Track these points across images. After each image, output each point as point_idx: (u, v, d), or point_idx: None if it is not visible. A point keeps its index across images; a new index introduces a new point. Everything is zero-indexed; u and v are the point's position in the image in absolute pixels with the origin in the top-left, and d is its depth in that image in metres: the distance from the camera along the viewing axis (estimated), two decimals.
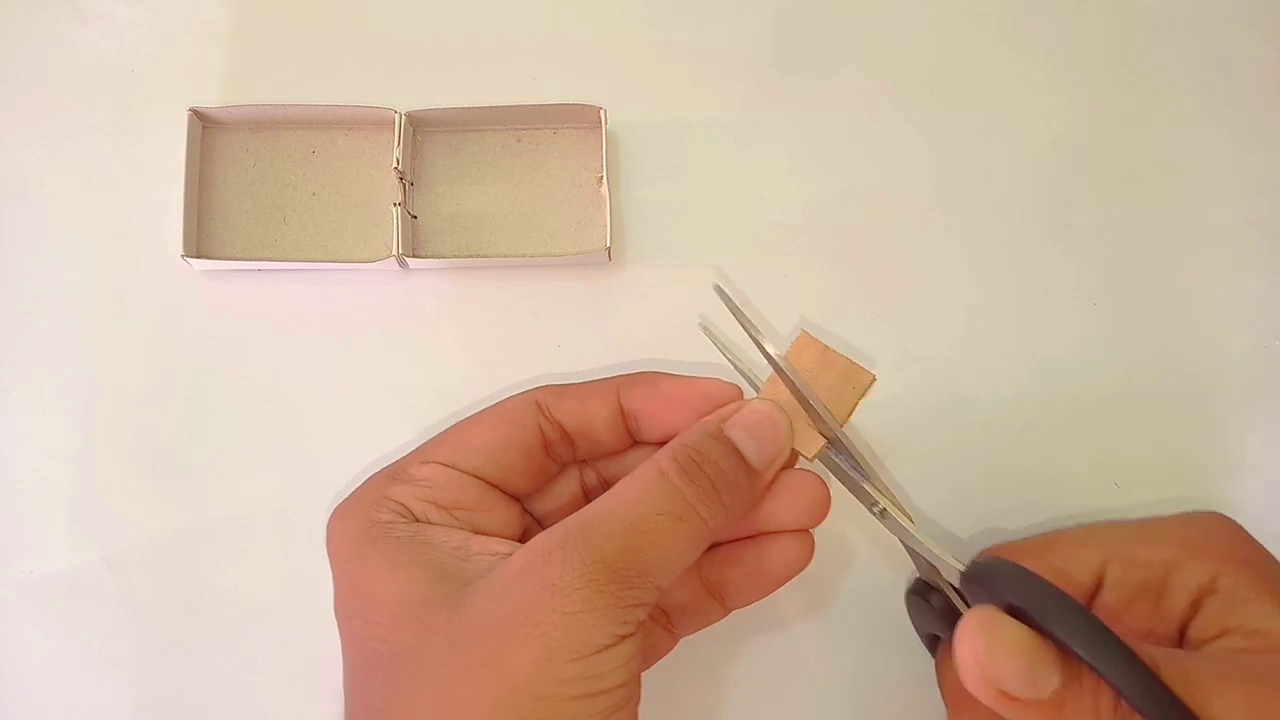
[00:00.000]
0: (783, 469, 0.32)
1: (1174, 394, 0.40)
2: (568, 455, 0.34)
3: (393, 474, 0.32)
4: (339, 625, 0.30)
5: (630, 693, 0.27)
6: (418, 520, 0.30)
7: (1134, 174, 0.42)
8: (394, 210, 0.39)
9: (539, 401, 0.32)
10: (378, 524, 0.30)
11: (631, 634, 0.27)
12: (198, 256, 0.40)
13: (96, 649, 0.37)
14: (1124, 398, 0.40)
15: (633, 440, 0.34)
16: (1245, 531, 0.32)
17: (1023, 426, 0.39)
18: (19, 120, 0.42)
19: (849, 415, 0.31)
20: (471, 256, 0.40)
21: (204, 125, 0.41)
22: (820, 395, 0.31)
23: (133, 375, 0.40)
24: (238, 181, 0.41)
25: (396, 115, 0.40)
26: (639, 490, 0.29)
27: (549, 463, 0.33)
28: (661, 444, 0.31)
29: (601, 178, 0.40)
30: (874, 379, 0.30)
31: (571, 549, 0.27)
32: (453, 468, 0.31)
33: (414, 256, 0.39)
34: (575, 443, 0.33)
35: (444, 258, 0.40)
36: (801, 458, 0.32)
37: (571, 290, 0.40)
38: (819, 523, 0.32)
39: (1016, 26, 0.44)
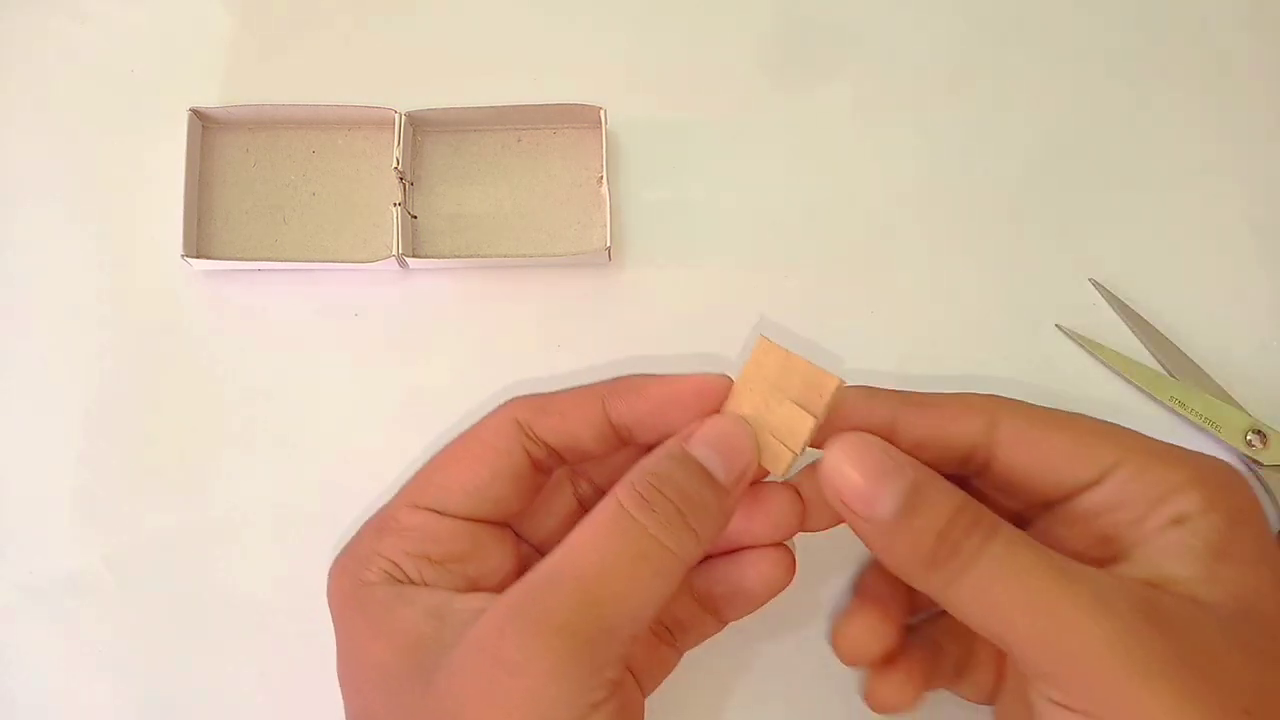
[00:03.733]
0: (752, 483, 0.30)
1: None
2: (556, 465, 0.32)
3: (382, 524, 0.31)
4: (340, 683, 0.31)
5: None
6: (406, 579, 0.29)
7: (1134, 174, 0.42)
8: (394, 210, 0.39)
9: (519, 421, 0.31)
10: (364, 585, 0.30)
11: (605, 699, 0.25)
12: (198, 256, 0.40)
13: (96, 649, 0.37)
14: None
15: (625, 443, 0.32)
16: (1252, 490, 0.30)
17: None
18: (19, 121, 0.42)
19: (815, 425, 0.29)
20: (471, 256, 0.40)
21: (204, 125, 0.41)
22: (784, 408, 0.29)
23: (133, 375, 0.40)
24: (238, 181, 0.41)
25: (396, 115, 0.40)
26: (594, 536, 0.27)
27: (539, 478, 0.32)
28: (658, 444, 0.30)
29: (601, 178, 0.40)
30: (840, 383, 0.28)
31: (524, 621, 0.25)
32: (443, 514, 0.30)
33: (414, 256, 0.39)
34: (564, 457, 0.32)
35: (444, 258, 0.40)
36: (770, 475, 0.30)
37: (571, 290, 0.40)
38: (790, 535, 0.32)
39: (1016, 27, 0.44)
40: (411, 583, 0.29)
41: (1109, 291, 0.40)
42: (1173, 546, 0.27)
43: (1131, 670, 0.24)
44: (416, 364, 0.40)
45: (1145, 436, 0.30)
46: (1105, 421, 0.30)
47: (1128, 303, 0.40)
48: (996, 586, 0.26)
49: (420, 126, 0.41)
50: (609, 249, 0.39)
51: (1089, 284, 0.41)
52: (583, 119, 0.41)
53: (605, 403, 0.31)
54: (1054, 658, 0.25)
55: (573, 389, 0.32)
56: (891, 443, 0.29)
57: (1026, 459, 0.29)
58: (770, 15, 0.43)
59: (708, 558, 0.32)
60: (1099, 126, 0.43)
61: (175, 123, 0.40)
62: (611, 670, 0.26)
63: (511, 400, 0.32)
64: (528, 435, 0.31)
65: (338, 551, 0.32)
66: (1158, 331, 0.40)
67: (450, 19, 0.43)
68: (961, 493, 0.28)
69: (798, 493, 0.31)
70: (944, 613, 0.31)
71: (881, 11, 0.44)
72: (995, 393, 0.31)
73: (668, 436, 0.30)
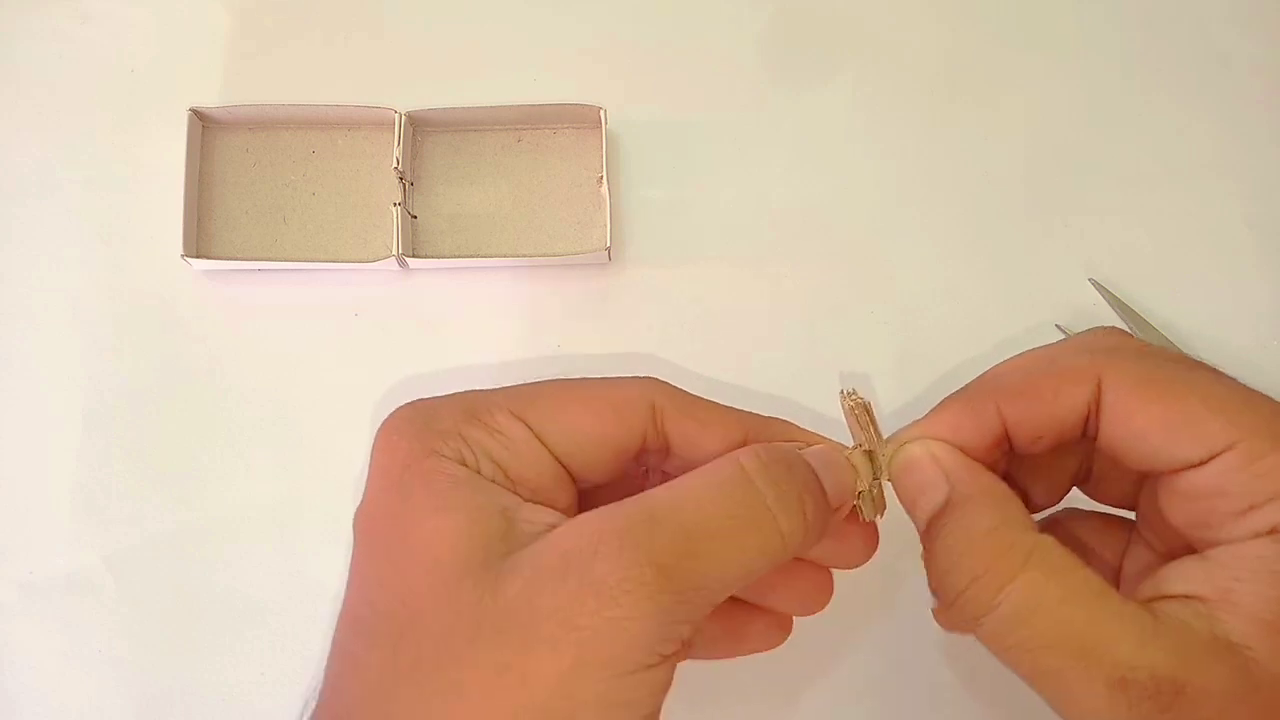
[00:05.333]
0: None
1: None
2: (652, 462, 0.30)
3: (472, 409, 0.27)
4: (359, 552, 0.26)
5: None
6: (478, 474, 0.26)
7: (1133, 174, 0.42)
8: (394, 210, 0.39)
9: (655, 406, 0.28)
10: (435, 455, 0.26)
11: (673, 654, 0.24)
12: (198, 256, 0.40)
13: (96, 649, 0.37)
14: None
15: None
16: None
17: None
18: (19, 120, 0.42)
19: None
20: (471, 256, 0.40)
21: (204, 125, 0.41)
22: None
23: (133, 375, 0.40)
24: (238, 181, 0.41)
25: (396, 115, 0.40)
26: (712, 486, 0.25)
27: (634, 466, 0.30)
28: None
29: (601, 178, 0.40)
30: (898, 447, 0.28)
31: (626, 542, 0.23)
32: (539, 438, 0.27)
33: (414, 256, 0.39)
34: (670, 457, 0.29)
35: (444, 258, 0.40)
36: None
37: (571, 290, 0.40)
38: (814, 612, 0.31)
39: (1016, 27, 0.44)
40: (480, 477, 0.26)
41: (1109, 291, 0.40)
42: (1255, 565, 0.24)
43: None
44: (416, 364, 0.40)
45: (1273, 406, 0.26)
46: (1230, 384, 0.26)
47: (1127, 302, 0.40)
48: (1017, 647, 0.25)
49: (420, 126, 0.41)
50: (609, 249, 0.39)
51: (1089, 284, 0.41)
52: (583, 119, 0.41)
53: (749, 435, 0.29)
54: None
55: (717, 404, 0.30)
56: (1010, 440, 0.28)
57: (1124, 432, 0.26)
58: (770, 15, 0.43)
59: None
60: (1099, 126, 0.43)
61: (175, 123, 0.40)
62: (688, 628, 0.24)
63: (651, 379, 0.29)
64: (655, 424, 0.28)
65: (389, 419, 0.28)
66: (1157, 331, 0.40)
67: (450, 19, 0.43)
68: (993, 519, 0.26)
69: (831, 580, 0.31)
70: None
71: (881, 11, 0.44)
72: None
73: None
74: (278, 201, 0.41)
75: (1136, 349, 0.28)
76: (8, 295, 0.40)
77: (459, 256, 0.40)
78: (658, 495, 0.25)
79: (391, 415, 0.28)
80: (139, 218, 0.41)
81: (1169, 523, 0.27)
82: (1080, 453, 0.30)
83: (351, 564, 0.27)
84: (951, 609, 0.26)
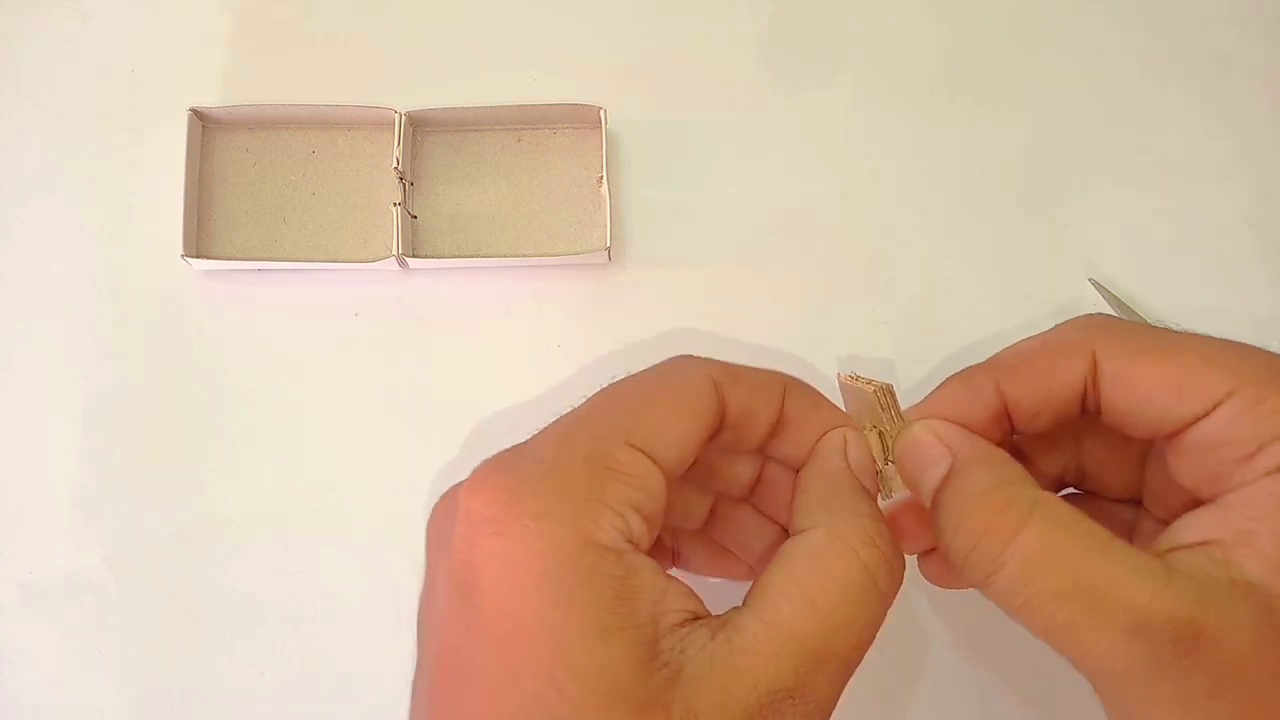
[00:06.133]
0: None
1: None
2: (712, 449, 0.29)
3: (598, 455, 0.25)
4: (490, 658, 0.23)
5: None
6: (631, 544, 0.24)
7: (1133, 174, 0.42)
8: (394, 210, 0.39)
9: (715, 380, 0.27)
10: (593, 548, 0.23)
11: None
12: (198, 256, 0.40)
13: (96, 649, 0.37)
14: None
15: (763, 446, 0.29)
16: None
17: None
18: (19, 120, 0.42)
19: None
20: (471, 256, 0.40)
21: (204, 125, 0.41)
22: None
23: (133, 375, 0.40)
24: (238, 181, 0.41)
25: (396, 115, 0.40)
26: (851, 606, 0.25)
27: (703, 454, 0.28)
28: (777, 461, 0.30)
29: (601, 178, 0.40)
30: (888, 386, 0.28)
31: (803, 699, 0.23)
32: (654, 461, 0.25)
33: (414, 256, 0.39)
34: (721, 435, 0.28)
35: (444, 258, 0.40)
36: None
37: (571, 290, 0.40)
38: None
39: (1016, 27, 0.44)
40: (634, 548, 0.24)
41: (1109, 291, 0.40)
42: (1269, 504, 0.24)
43: (1165, 704, 0.23)
44: (416, 364, 0.40)
45: (1268, 356, 0.26)
46: (1222, 342, 0.27)
47: (1127, 302, 0.40)
48: (1028, 602, 0.25)
49: (420, 126, 0.41)
50: (609, 249, 0.39)
51: (1089, 284, 0.41)
52: (583, 119, 0.41)
53: (787, 391, 0.28)
54: (1095, 678, 0.24)
55: (754, 368, 0.29)
56: (1010, 418, 0.28)
57: (1127, 396, 0.27)
58: (770, 16, 0.43)
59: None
60: (1099, 126, 0.43)
61: (175, 123, 0.40)
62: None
63: (689, 358, 0.28)
64: (720, 399, 0.27)
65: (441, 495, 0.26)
66: None
67: (450, 19, 0.43)
68: (993, 478, 0.26)
69: None
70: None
71: (881, 12, 0.44)
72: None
73: (791, 460, 0.29)
74: (278, 201, 0.41)
75: (1126, 325, 0.29)
76: (8, 295, 0.40)
77: (459, 256, 0.40)
78: (796, 621, 0.24)
79: (495, 481, 0.24)
80: (139, 218, 0.41)
81: (1181, 486, 0.27)
82: (1070, 449, 0.31)
83: (465, 653, 0.24)
84: (962, 571, 0.26)
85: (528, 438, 0.26)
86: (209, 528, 0.38)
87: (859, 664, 0.25)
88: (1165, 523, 0.28)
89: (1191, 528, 0.25)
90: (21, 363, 0.40)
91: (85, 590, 0.38)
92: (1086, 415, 0.28)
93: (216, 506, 0.38)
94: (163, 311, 0.40)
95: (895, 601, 0.26)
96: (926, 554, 0.31)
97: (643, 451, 0.25)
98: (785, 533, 0.29)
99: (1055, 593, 0.24)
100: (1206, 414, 0.26)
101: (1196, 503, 0.26)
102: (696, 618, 0.24)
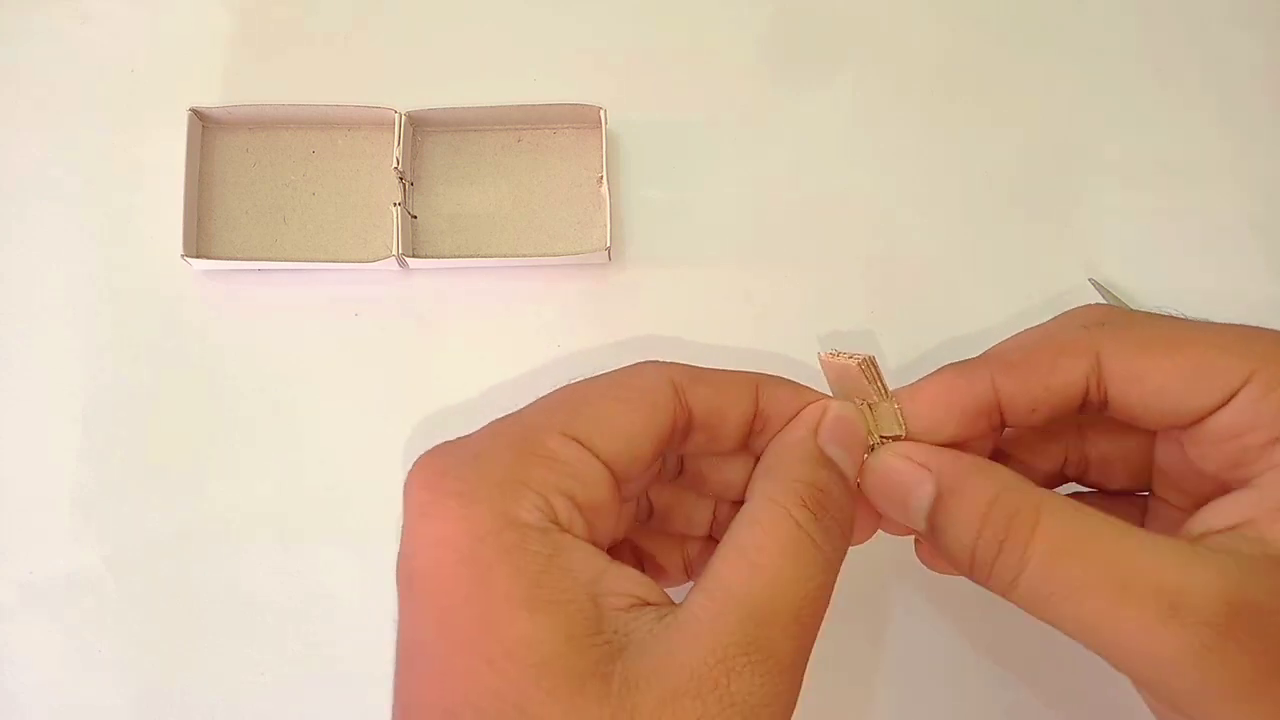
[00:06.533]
0: None
1: None
2: (672, 447, 0.28)
3: (526, 443, 0.25)
4: (430, 634, 0.24)
5: None
6: (557, 523, 0.24)
7: (1134, 174, 0.42)
8: (394, 210, 0.39)
9: (674, 382, 0.27)
10: (514, 525, 0.23)
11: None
12: (198, 256, 0.40)
13: (96, 649, 0.37)
14: None
15: (742, 447, 0.29)
16: None
17: None
18: (19, 120, 0.42)
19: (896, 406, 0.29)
20: (471, 256, 0.40)
21: (204, 125, 0.41)
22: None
23: (133, 375, 0.40)
24: (238, 181, 0.41)
25: (396, 115, 0.40)
26: (790, 561, 0.24)
27: (663, 453, 0.28)
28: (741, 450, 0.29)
29: (601, 178, 0.40)
30: (872, 357, 0.28)
31: (758, 657, 0.23)
32: (592, 452, 0.25)
33: (414, 256, 0.39)
34: (692, 437, 0.28)
35: (444, 258, 0.40)
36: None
37: (571, 290, 0.40)
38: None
39: (1016, 27, 0.44)
40: (561, 529, 0.24)
41: (1109, 291, 0.40)
42: None
43: (1211, 693, 0.22)
44: (416, 364, 0.40)
45: (1278, 336, 0.26)
46: (1227, 327, 0.26)
47: (1127, 302, 0.40)
48: (1050, 605, 0.24)
49: (420, 126, 0.41)
50: (609, 249, 0.39)
51: (1089, 284, 0.41)
52: (583, 119, 0.41)
53: (760, 388, 0.28)
54: (1134, 673, 0.24)
55: (724, 370, 0.29)
56: (1002, 415, 0.27)
57: (1139, 393, 0.26)
58: (770, 16, 0.43)
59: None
60: (1099, 126, 0.43)
61: (175, 123, 0.40)
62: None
63: (655, 362, 0.28)
64: (680, 402, 0.27)
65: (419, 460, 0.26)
66: None
67: (450, 19, 0.43)
68: (994, 488, 0.26)
69: None
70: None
71: (881, 12, 0.44)
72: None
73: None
74: (278, 201, 0.41)
75: (1126, 317, 0.28)
76: (8, 295, 0.40)
77: (459, 256, 0.40)
78: (736, 582, 0.24)
79: (427, 466, 0.25)
80: (139, 218, 0.41)
81: (1202, 472, 0.26)
82: (1071, 441, 0.30)
83: (411, 638, 0.24)
84: (988, 584, 0.25)
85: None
86: (209, 528, 0.38)
87: (818, 625, 0.25)
88: (1184, 510, 0.28)
89: (1221, 513, 0.25)
90: (21, 363, 0.40)
91: (85, 590, 0.38)
92: (1087, 410, 0.28)
93: (216, 506, 0.38)
94: (163, 311, 0.40)
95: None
96: (922, 541, 0.30)
97: (578, 441, 0.25)
98: None
99: (1082, 584, 0.23)
100: (1225, 403, 0.25)
101: (1221, 487, 0.26)
102: (647, 604, 0.24)
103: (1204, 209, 0.42)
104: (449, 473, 0.25)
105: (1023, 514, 0.25)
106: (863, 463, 0.28)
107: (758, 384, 0.28)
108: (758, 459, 0.30)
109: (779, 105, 0.43)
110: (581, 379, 0.28)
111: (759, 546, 0.25)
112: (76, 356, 0.40)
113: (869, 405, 0.28)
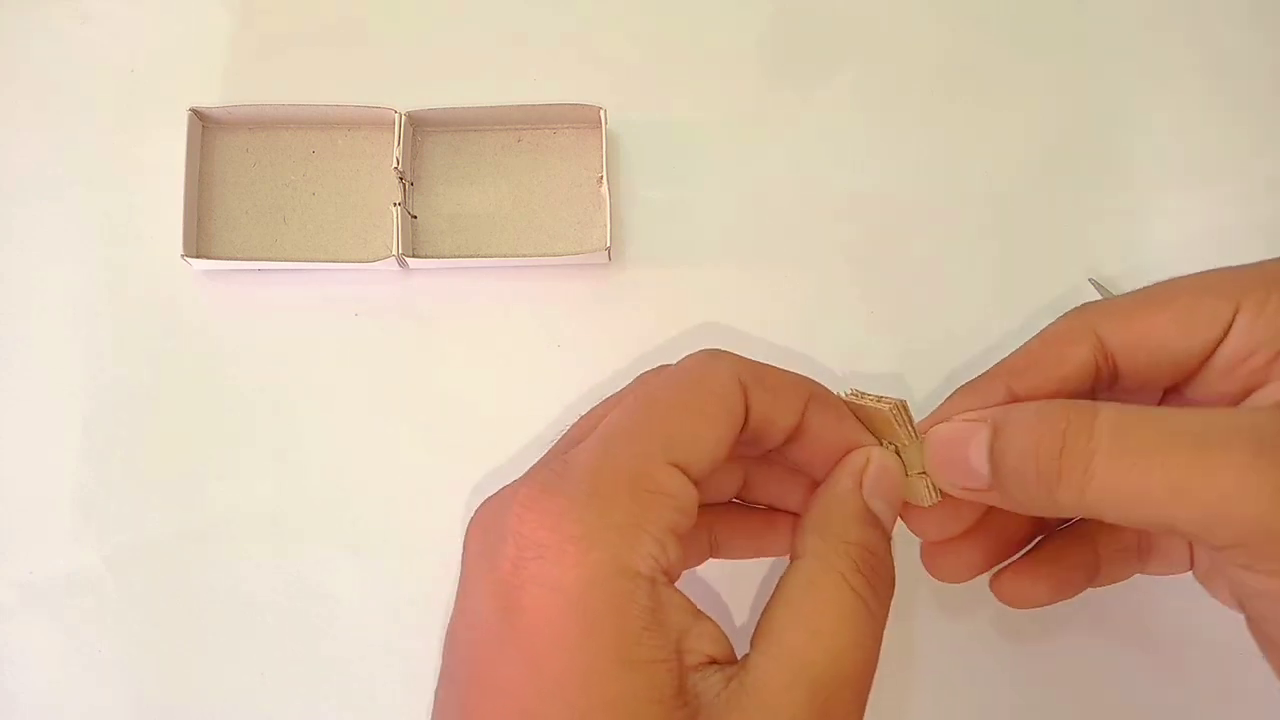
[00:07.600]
0: None
1: None
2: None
3: (640, 479, 0.24)
4: (521, 671, 0.23)
5: None
6: (668, 570, 0.24)
7: (1134, 174, 0.42)
8: (394, 210, 0.39)
9: (742, 382, 0.26)
10: (627, 575, 0.23)
11: None
12: (198, 256, 0.40)
13: (96, 649, 0.37)
14: None
15: (766, 452, 0.29)
16: None
17: None
18: (19, 120, 0.42)
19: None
20: (471, 256, 0.40)
21: (204, 125, 0.41)
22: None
23: (133, 375, 0.40)
24: (238, 181, 0.41)
25: (396, 115, 0.40)
26: (849, 627, 0.25)
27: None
28: (790, 468, 0.29)
29: (601, 178, 0.40)
30: (903, 402, 0.28)
31: None
32: (688, 476, 0.25)
33: (414, 256, 0.39)
34: (741, 438, 0.27)
35: (444, 258, 0.40)
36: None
37: (571, 290, 0.40)
38: None
39: (1017, 27, 0.44)
40: (666, 580, 0.24)
41: (1109, 292, 0.40)
42: None
43: None
44: (416, 364, 0.40)
45: (1262, 265, 0.27)
46: (1213, 270, 0.28)
47: None
48: (1126, 485, 0.24)
49: (420, 126, 0.41)
50: (609, 249, 0.39)
51: (1089, 284, 0.41)
52: (583, 119, 0.41)
53: (811, 399, 0.28)
54: (1226, 533, 0.23)
55: (779, 369, 0.28)
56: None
57: (1145, 352, 0.28)
58: (770, 16, 0.43)
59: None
60: (1099, 126, 0.42)
61: (175, 123, 0.40)
62: None
63: (717, 352, 0.28)
64: (745, 403, 0.27)
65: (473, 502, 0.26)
66: None
67: (450, 19, 0.43)
68: (1042, 404, 0.26)
69: None
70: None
71: (881, 11, 0.44)
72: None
73: (807, 468, 0.29)
74: (278, 201, 0.41)
75: (1116, 297, 0.30)
76: (8, 295, 0.40)
77: (459, 256, 0.40)
78: (800, 648, 0.24)
79: (541, 505, 0.24)
80: (139, 218, 0.41)
81: (1227, 404, 0.27)
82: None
83: (493, 670, 0.24)
84: (1056, 500, 0.25)
85: (560, 442, 0.28)
86: (209, 528, 0.38)
87: (870, 689, 0.25)
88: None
89: (1260, 399, 0.26)
90: (21, 363, 0.40)
91: (85, 590, 0.38)
92: (1100, 388, 0.28)
93: (216, 507, 0.38)
94: (163, 311, 0.40)
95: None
96: (929, 550, 0.31)
97: (680, 468, 0.25)
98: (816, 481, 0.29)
99: (1157, 447, 0.23)
100: (1223, 336, 0.27)
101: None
102: (714, 661, 0.24)
103: (1204, 209, 0.42)
104: (567, 514, 0.24)
105: (1078, 422, 0.25)
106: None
107: (808, 398, 0.28)
108: (758, 459, 0.30)
109: (779, 105, 0.43)
110: (657, 373, 0.28)
111: (820, 614, 0.25)
112: (76, 356, 0.40)
113: (897, 448, 0.29)
